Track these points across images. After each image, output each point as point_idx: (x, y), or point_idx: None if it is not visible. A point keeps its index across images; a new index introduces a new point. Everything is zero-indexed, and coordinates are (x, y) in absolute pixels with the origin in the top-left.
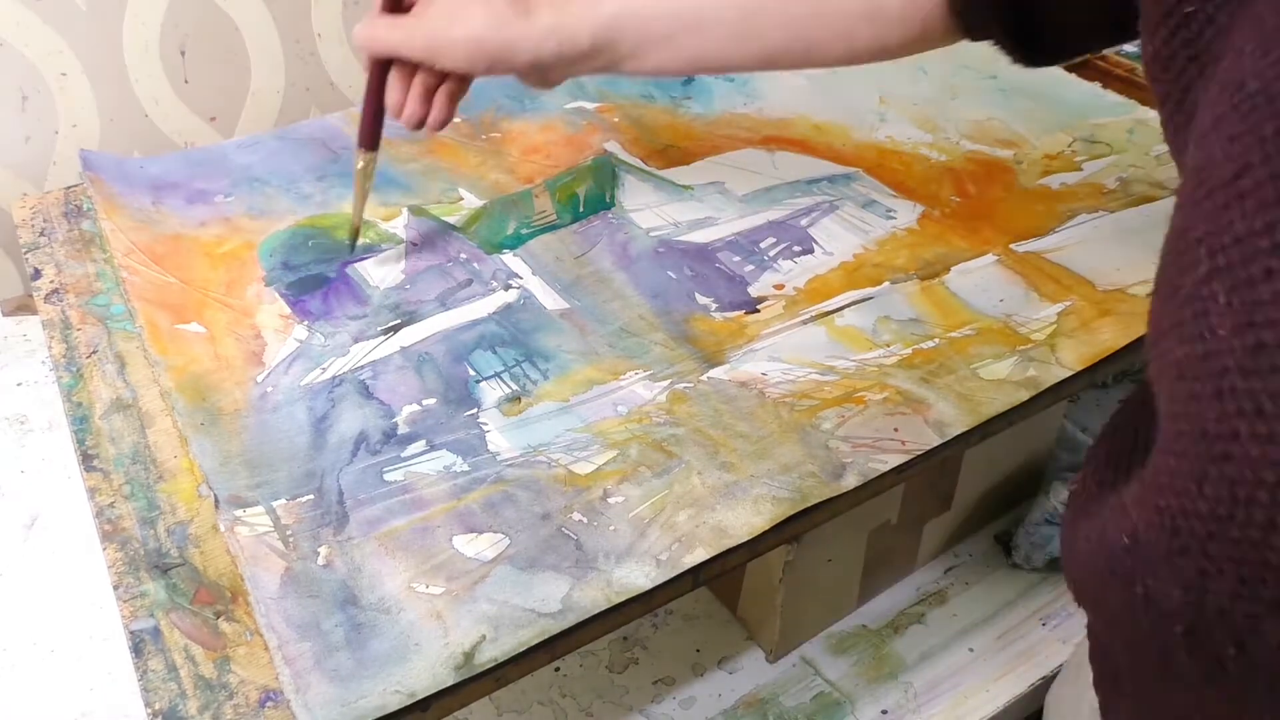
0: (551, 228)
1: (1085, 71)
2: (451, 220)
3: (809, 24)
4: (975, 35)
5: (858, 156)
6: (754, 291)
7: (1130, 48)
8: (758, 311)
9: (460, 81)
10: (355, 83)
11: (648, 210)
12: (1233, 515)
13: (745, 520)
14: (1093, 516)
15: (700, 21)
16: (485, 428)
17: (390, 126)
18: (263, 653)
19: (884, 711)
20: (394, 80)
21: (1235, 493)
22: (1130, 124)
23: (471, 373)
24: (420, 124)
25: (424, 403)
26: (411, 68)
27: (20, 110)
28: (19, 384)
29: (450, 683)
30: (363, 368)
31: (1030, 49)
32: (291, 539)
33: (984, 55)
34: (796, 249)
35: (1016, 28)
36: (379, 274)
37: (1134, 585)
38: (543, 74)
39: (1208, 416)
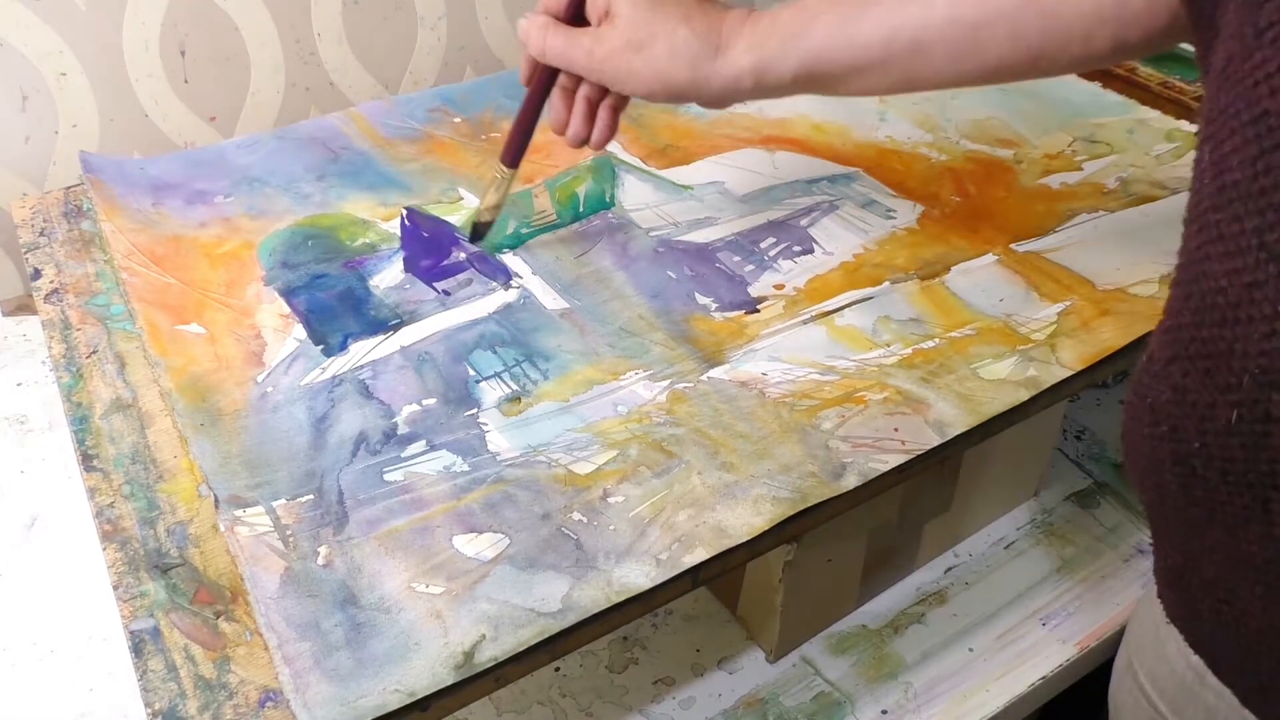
0: (551, 227)
1: (1085, 72)
2: (452, 220)
3: (1041, 33)
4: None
5: (858, 156)
6: (754, 291)
7: None
8: (758, 311)
9: (623, 98)
10: (355, 83)
11: (647, 210)
12: (1202, 320)
13: (745, 520)
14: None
15: (919, 44)
16: (485, 428)
17: (389, 126)
18: (262, 652)
19: (884, 711)
20: (555, 94)
21: (1204, 301)
22: (1130, 124)
23: (471, 372)
24: (584, 142)
25: (424, 402)
26: (574, 82)
27: (20, 110)
28: (19, 384)
29: (450, 682)
30: (362, 367)
31: None
32: (291, 539)
33: None
34: (796, 249)
35: None
36: (379, 274)
37: (1145, 398)
38: (723, 103)
39: (1190, 245)
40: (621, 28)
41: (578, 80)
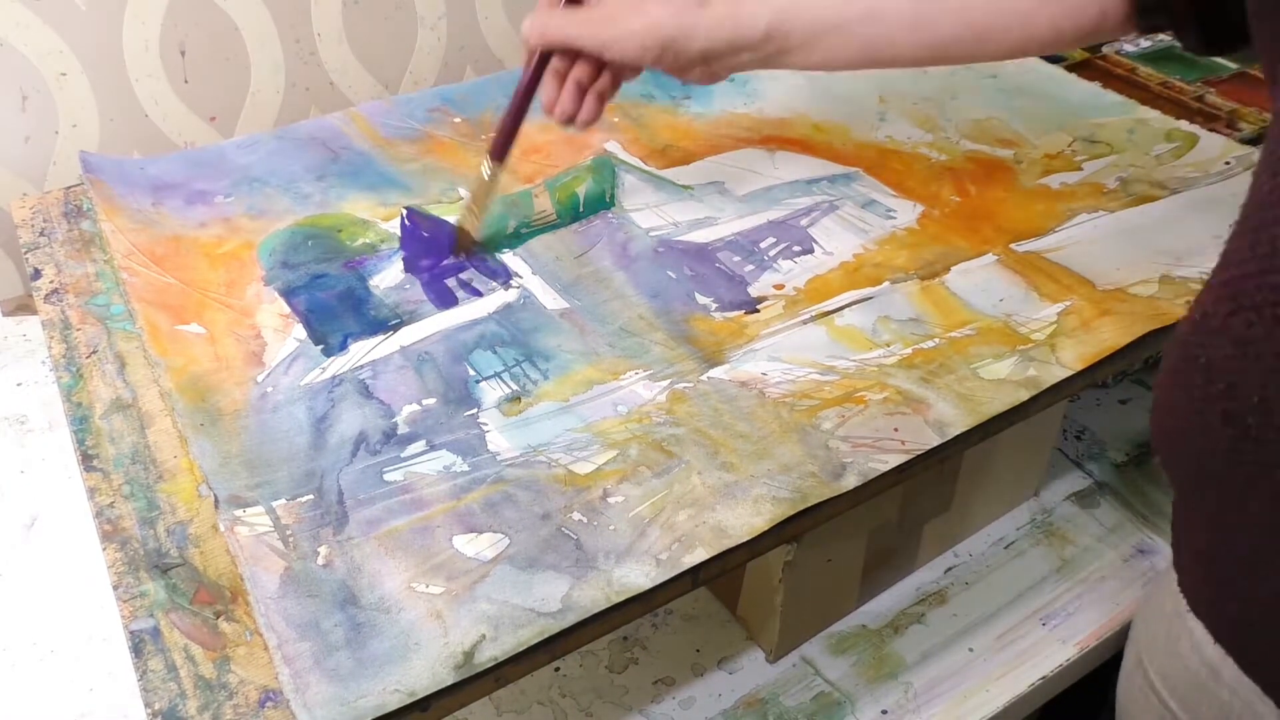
0: (551, 227)
1: (1085, 71)
2: (452, 220)
3: (985, 12)
4: (1147, 24)
5: (858, 156)
6: (754, 291)
7: (1130, 47)
8: (757, 311)
9: (613, 82)
10: (355, 83)
11: (647, 210)
12: (1272, 265)
13: (745, 520)
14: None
15: (872, 11)
16: (485, 428)
17: (389, 126)
18: (262, 652)
19: (884, 711)
20: (547, 78)
21: (1276, 245)
22: (1130, 124)
23: (471, 372)
24: (570, 120)
25: (424, 402)
26: (567, 66)
27: (20, 110)
28: (19, 384)
29: (450, 682)
30: (362, 367)
31: (1207, 36)
32: (291, 539)
33: None
34: (796, 249)
35: (1194, 15)
36: (379, 274)
37: (1198, 358)
38: (710, 64)
39: (1262, 190)
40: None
41: (569, 64)
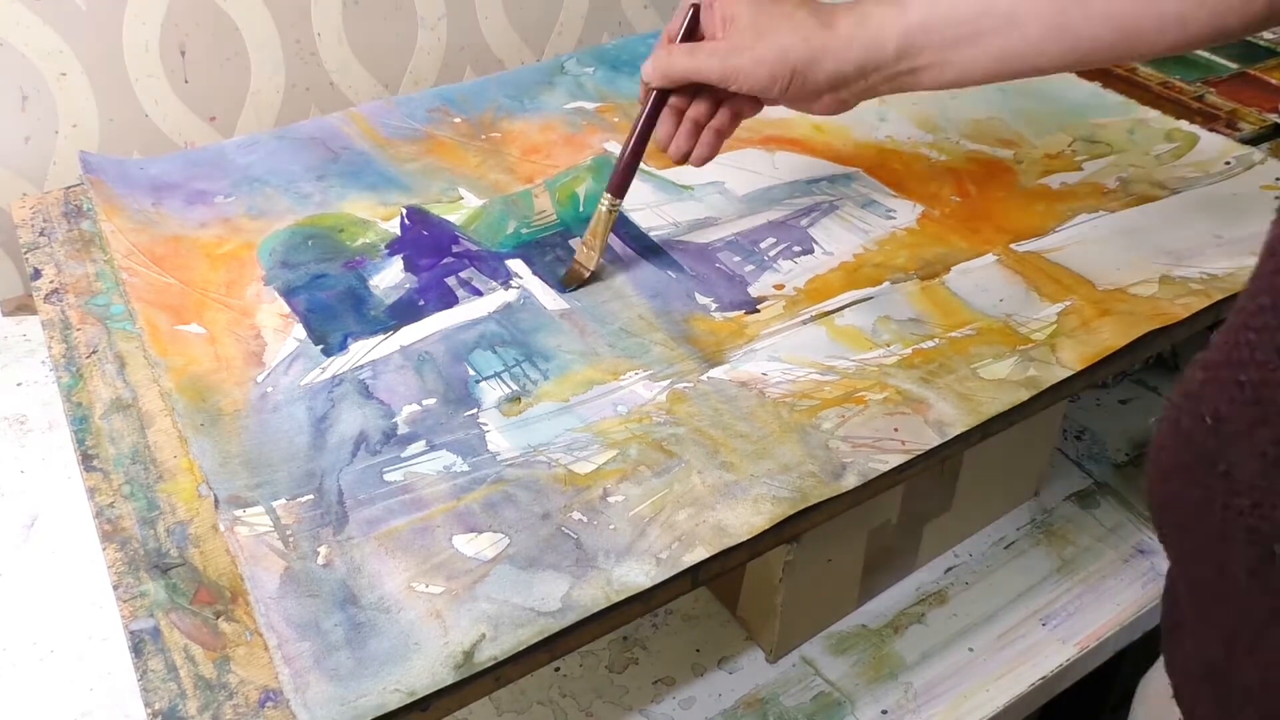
0: (552, 227)
1: (1085, 71)
2: (451, 219)
3: (1135, 12)
4: None
5: (858, 156)
6: (754, 291)
7: None
8: (757, 311)
9: (731, 119)
10: (355, 83)
11: (648, 210)
12: None
13: (745, 520)
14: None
15: (1013, 17)
16: (485, 428)
17: (389, 126)
18: (262, 652)
19: (884, 711)
20: (665, 115)
21: None
22: (1130, 124)
23: (471, 372)
24: (685, 158)
25: (424, 402)
26: (685, 103)
27: (20, 110)
28: (19, 384)
29: (450, 682)
30: (362, 367)
31: None
32: (291, 539)
33: None
34: (796, 249)
35: None
36: (379, 274)
37: (1216, 465)
38: (838, 91)
39: None
40: (744, 25)
41: (688, 101)
